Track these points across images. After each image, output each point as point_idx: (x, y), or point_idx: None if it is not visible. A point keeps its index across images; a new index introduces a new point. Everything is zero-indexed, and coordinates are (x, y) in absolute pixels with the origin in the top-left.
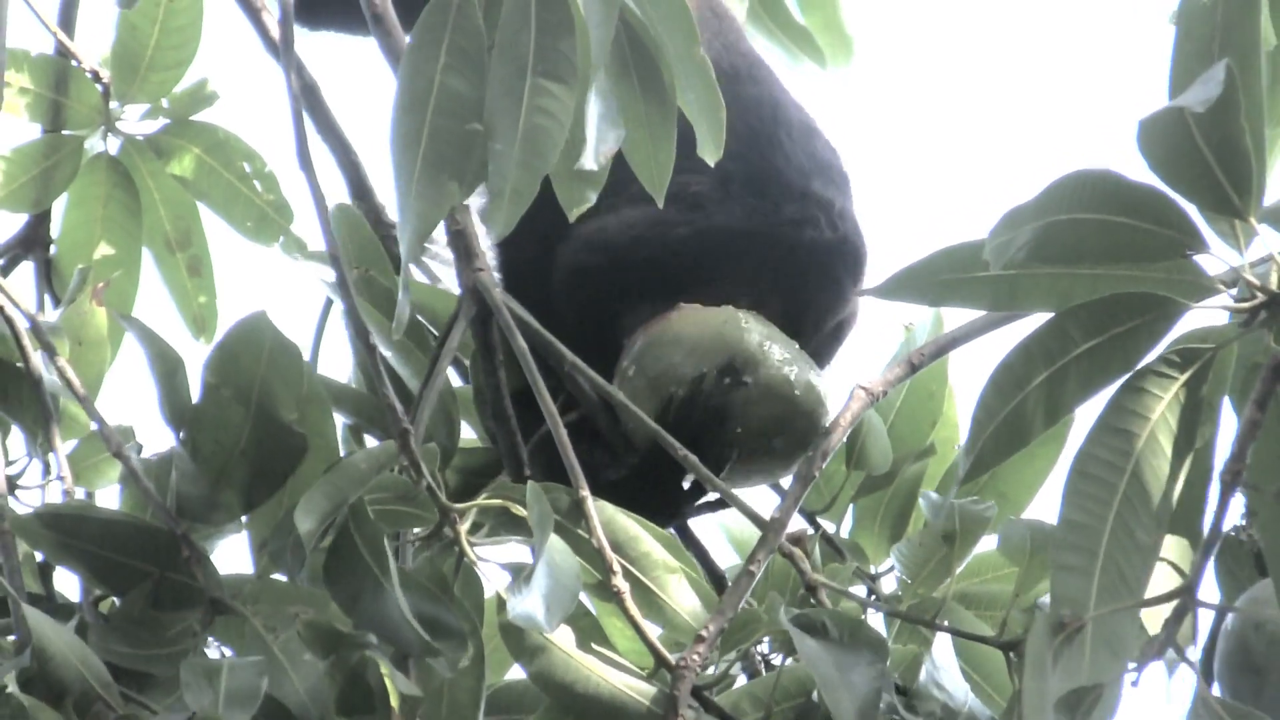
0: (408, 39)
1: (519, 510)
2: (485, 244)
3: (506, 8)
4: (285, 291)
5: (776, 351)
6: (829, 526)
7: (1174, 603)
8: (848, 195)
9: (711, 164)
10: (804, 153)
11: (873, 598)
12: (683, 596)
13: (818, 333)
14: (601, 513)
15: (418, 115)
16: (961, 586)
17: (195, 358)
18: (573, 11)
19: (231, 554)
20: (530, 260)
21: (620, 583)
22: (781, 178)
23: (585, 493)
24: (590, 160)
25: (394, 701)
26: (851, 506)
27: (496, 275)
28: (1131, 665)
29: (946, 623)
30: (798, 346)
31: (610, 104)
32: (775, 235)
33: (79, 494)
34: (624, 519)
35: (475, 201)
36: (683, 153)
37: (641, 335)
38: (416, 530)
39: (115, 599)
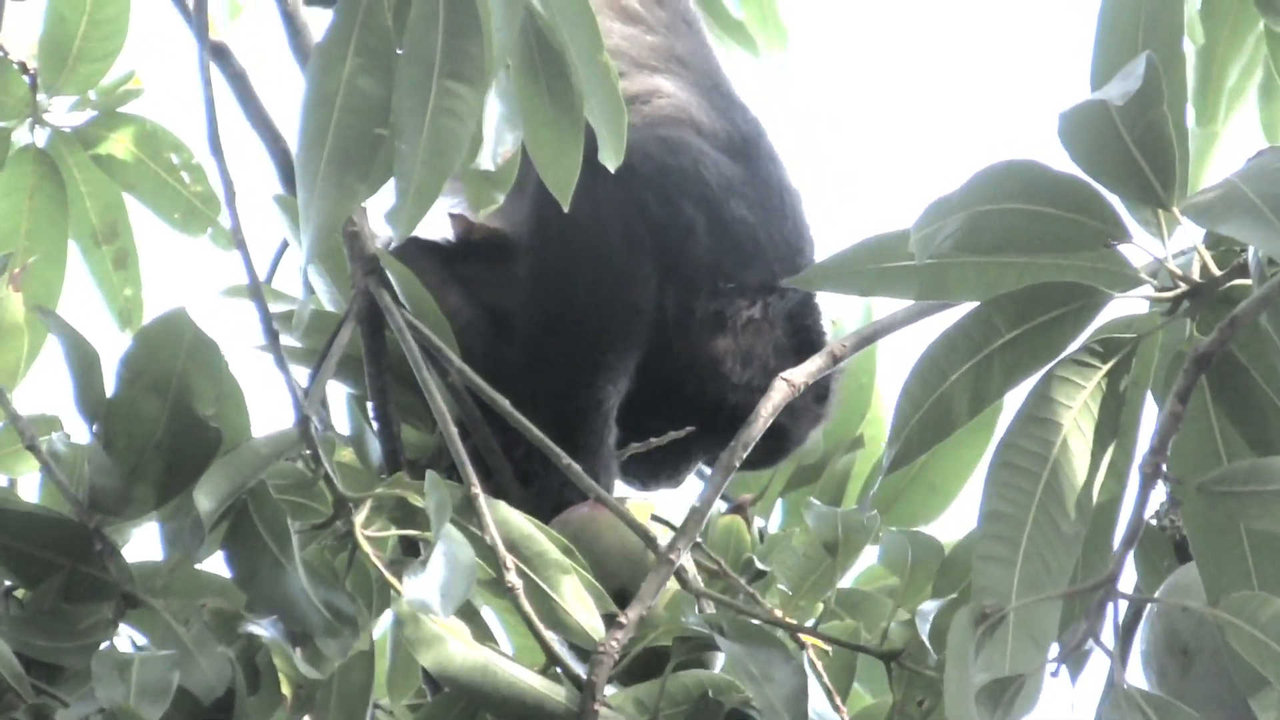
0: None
1: (416, 500)
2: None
3: (415, 9)
4: (214, 283)
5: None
6: (759, 521)
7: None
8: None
9: (611, 169)
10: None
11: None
12: (575, 597)
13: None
14: (495, 511)
15: (324, 113)
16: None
17: (119, 351)
18: (480, 13)
19: (146, 541)
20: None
21: (514, 579)
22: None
23: (476, 489)
24: (488, 161)
25: (285, 689)
26: (780, 500)
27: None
28: (1052, 656)
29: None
30: None
31: (511, 105)
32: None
33: (1, 481)
34: (518, 518)
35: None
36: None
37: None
38: (298, 524)
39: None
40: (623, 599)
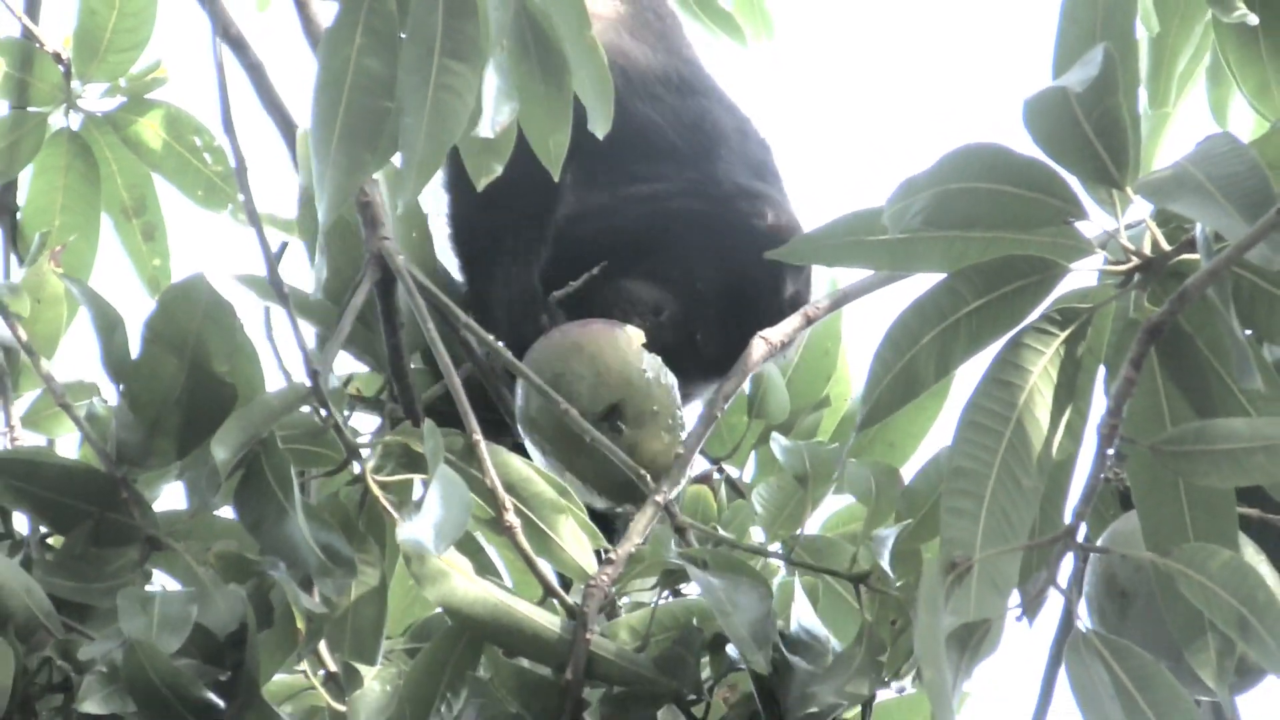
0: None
1: (419, 447)
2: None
3: None
4: (234, 254)
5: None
6: (732, 472)
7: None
8: (782, 190)
9: (600, 137)
10: (741, 161)
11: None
12: (570, 535)
13: (769, 307)
14: (495, 456)
15: (335, 92)
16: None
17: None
18: None
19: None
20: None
21: (512, 518)
22: (727, 181)
23: (478, 436)
24: (487, 129)
25: (299, 623)
26: (753, 454)
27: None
28: (1016, 603)
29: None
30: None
31: (507, 79)
32: (729, 221)
33: (41, 441)
34: (517, 462)
35: None
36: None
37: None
38: (313, 471)
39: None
40: (617, 413)
